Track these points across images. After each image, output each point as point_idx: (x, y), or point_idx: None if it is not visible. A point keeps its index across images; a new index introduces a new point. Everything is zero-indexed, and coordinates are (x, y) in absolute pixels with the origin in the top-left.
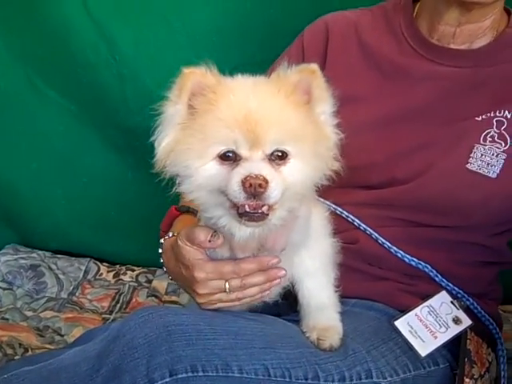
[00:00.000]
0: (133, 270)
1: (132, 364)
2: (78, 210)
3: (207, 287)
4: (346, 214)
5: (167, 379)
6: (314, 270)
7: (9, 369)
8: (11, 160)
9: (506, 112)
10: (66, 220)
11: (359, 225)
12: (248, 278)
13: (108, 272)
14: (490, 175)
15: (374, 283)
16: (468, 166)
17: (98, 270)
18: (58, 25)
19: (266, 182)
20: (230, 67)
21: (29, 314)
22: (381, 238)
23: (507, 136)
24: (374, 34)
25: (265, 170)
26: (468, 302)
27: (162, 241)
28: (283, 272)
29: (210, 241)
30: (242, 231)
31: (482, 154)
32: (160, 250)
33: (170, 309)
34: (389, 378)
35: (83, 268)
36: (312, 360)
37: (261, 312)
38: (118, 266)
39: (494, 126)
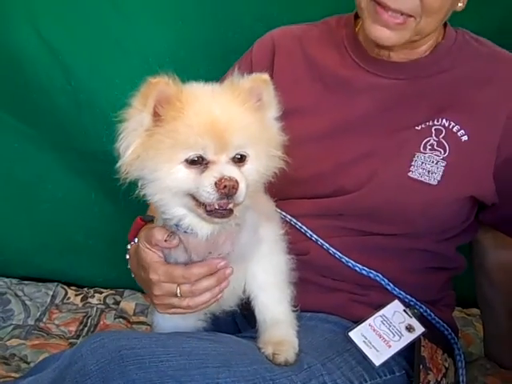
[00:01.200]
0: (100, 293)
1: None
2: (43, 235)
3: (161, 289)
4: (300, 224)
5: None
6: (267, 285)
7: None
8: None
9: (444, 120)
10: (32, 246)
11: (311, 235)
12: (198, 283)
13: (76, 296)
14: (431, 182)
15: (327, 295)
16: (410, 174)
17: (66, 294)
18: (12, 51)
19: (237, 183)
20: None
21: None
22: (332, 248)
23: (446, 144)
24: (318, 48)
25: (234, 172)
26: (421, 310)
27: (128, 246)
28: (230, 269)
29: (166, 240)
30: (205, 229)
31: (422, 162)
32: (127, 256)
33: (122, 333)
34: None
35: (51, 293)
36: (266, 376)
37: (221, 327)
38: (85, 289)
39: (433, 135)
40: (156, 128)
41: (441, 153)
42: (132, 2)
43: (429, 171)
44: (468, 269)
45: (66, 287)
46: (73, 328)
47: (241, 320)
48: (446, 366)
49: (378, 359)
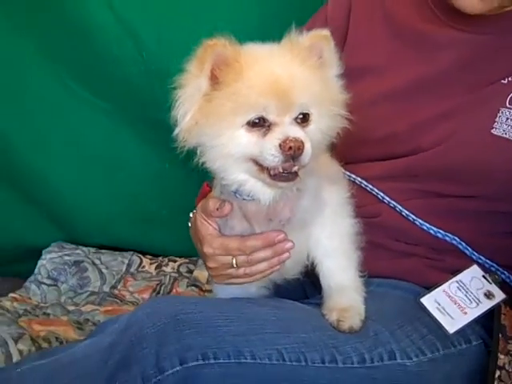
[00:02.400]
0: (175, 261)
1: (141, 354)
2: (119, 205)
3: (216, 262)
4: (371, 187)
5: (177, 368)
6: (332, 251)
7: (24, 363)
8: (51, 161)
9: None
10: (108, 216)
11: (383, 198)
12: (254, 253)
13: (150, 264)
14: None
15: (399, 260)
16: (493, 130)
17: (141, 262)
18: (84, 25)
19: (303, 143)
20: None
21: (71, 308)
22: (405, 211)
23: None
24: (398, 1)
25: (299, 132)
26: (503, 276)
27: (190, 215)
28: (290, 244)
29: (217, 209)
30: (267, 194)
31: (507, 118)
32: (189, 224)
33: (179, 298)
34: (415, 359)
35: (126, 261)
36: (329, 343)
37: (287, 293)
38: (160, 257)
39: None
40: (215, 92)
41: None
42: None
43: None
44: None
45: (141, 256)
46: (146, 295)
47: (309, 286)
48: None
49: (452, 327)
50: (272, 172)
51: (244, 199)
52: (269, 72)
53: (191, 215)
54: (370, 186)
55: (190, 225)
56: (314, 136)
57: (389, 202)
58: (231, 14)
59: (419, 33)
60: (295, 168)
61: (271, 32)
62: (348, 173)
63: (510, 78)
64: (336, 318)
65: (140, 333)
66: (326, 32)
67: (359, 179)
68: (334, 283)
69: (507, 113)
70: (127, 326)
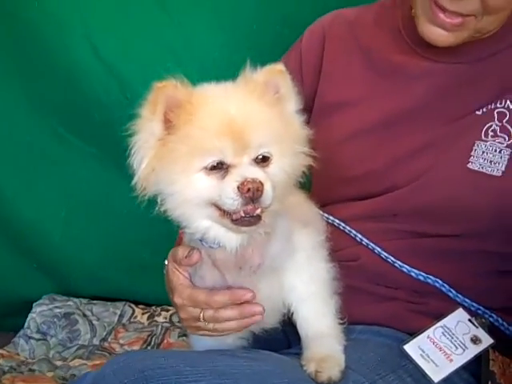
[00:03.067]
0: (167, 310)
1: None
2: (111, 254)
3: (186, 313)
4: (349, 229)
5: None
6: (307, 297)
7: None
8: (41, 210)
9: (508, 102)
10: (100, 266)
11: (361, 239)
12: (221, 310)
13: (143, 314)
14: (493, 173)
15: (380, 304)
16: (469, 165)
17: (133, 312)
18: (70, 71)
19: (262, 184)
20: None
21: (59, 363)
22: (384, 253)
23: (510, 129)
24: (371, 33)
25: (258, 173)
26: (491, 319)
27: (165, 262)
28: (259, 309)
29: (186, 257)
30: (233, 241)
31: (483, 152)
32: (164, 271)
33: (148, 352)
34: None
35: (118, 312)
36: None
37: (269, 343)
38: (153, 307)
39: (496, 119)
40: (169, 136)
41: (504, 139)
42: (184, 11)
43: (491, 161)
44: None
45: (133, 306)
46: (136, 347)
47: (292, 334)
48: None
49: (437, 375)
50: (234, 216)
51: (211, 247)
52: (223, 112)
53: (166, 262)
54: (348, 228)
55: (164, 272)
56: (276, 176)
57: (367, 244)
58: (217, 53)
59: (394, 64)
60: (258, 211)
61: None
62: (326, 214)
63: (484, 109)
64: (314, 369)
65: None
66: (280, 66)
67: (337, 221)
68: (312, 332)
69: (483, 146)
70: None
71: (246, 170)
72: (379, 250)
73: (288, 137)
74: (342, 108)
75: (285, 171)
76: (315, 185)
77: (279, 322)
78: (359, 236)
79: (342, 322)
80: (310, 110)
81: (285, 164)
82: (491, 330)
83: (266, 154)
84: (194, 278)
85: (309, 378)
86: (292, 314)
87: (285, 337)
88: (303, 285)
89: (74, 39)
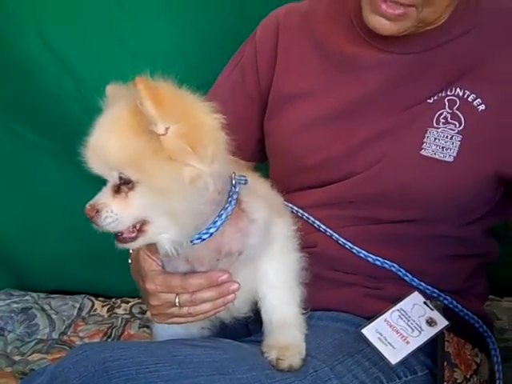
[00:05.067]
0: (127, 302)
1: None
2: (69, 247)
3: (158, 299)
4: (307, 215)
5: None
6: (277, 284)
7: None
8: None
9: (458, 90)
10: (59, 258)
11: (319, 226)
12: (198, 293)
13: (102, 307)
14: (446, 159)
15: (338, 290)
16: (422, 152)
17: (93, 305)
18: (23, 65)
19: (95, 210)
20: (195, 86)
21: (17, 358)
22: (341, 239)
23: (460, 116)
24: (325, 25)
25: (102, 197)
26: (446, 301)
27: (130, 251)
28: (236, 285)
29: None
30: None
31: (435, 138)
32: (129, 261)
33: (106, 344)
34: None
35: (77, 305)
36: (266, 383)
37: (229, 331)
38: (113, 299)
39: (446, 106)
40: None
41: (455, 126)
42: (137, 4)
43: (443, 147)
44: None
45: (93, 299)
46: (97, 339)
47: (252, 323)
48: (478, 361)
49: (394, 357)
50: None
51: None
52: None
53: (131, 251)
54: (306, 215)
55: (130, 261)
56: (136, 200)
57: (325, 231)
58: (169, 46)
59: (347, 55)
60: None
61: (212, 64)
62: (285, 202)
63: (435, 97)
64: (275, 357)
65: None
66: (137, 80)
67: (296, 208)
68: (276, 319)
69: (435, 133)
70: (52, 378)
71: (99, 193)
72: (337, 236)
73: (152, 160)
74: (298, 99)
75: (147, 195)
76: (272, 174)
77: (251, 311)
78: (317, 223)
79: (305, 311)
80: (266, 103)
81: (149, 188)
82: (446, 312)
83: (123, 177)
84: (167, 267)
85: (269, 365)
86: (258, 300)
87: (245, 325)
88: (274, 273)
89: (26, 33)
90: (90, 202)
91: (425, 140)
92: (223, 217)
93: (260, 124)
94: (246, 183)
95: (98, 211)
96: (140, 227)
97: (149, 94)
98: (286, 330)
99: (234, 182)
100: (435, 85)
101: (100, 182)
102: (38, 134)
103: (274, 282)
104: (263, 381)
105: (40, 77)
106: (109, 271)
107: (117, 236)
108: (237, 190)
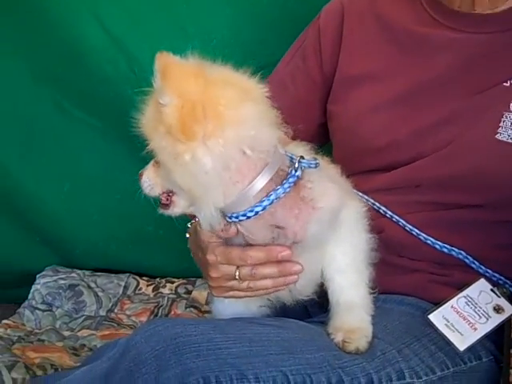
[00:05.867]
0: (172, 282)
1: (140, 380)
2: (114, 226)
3: (218, 271)
4: (372, 201)
5: None
6: (345, 267)
7: None
8: (44, 183)
9: None
10: (103, 238)
11: (385, 212)
12: (259, 267)
13: (147, 286)
14: None
15: (404, 276)
16: (497, 136)
17: (138, 284)
18: (76, 44)
19: (140, 175)
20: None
21: (66, 333)
22: (408, 225)
23: None
24: (392, 6)
25: (147, 166)
26: (511, 289)
27: (188, 225)
28: (298, 267)
29: (222, 230)
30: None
31: None
32: (187, 235)
33: (177, 320)
34: (424, 378)
35: (122, 284)
36: (335, 364)
37: (288, 312)
38: (157, 279)
39: None
40: None
41: None
42: None
43: None
44: None
45: (137, 278)
46: (143, 318)
47: (311, 305)
48: None
49: (462, 344)
50: None
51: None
52: None
53: (189, 225)
54: (372, 200)
55: (188, 236)
56: (161, 171)
57: (391, 217)
58: (225, 30)
59: (415, 36)
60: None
61: (267, 47)
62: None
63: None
64: (341, 339)
65: (139, 358)
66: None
67: (360, 193)
68: (343, 300)
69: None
70: (125, 351)
71: None
72: (404, 222)
73: (159, 131)
74: (364, 81)
75: (162, 169)
76: (336, 157)
77: (315, 293)
78: (383, 208)
79: (373, 292)
80: (330, 87)
81: (158, 156)
82: (510, 299)
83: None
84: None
85: (336, 346)
86: (325, 282)
87: (304, 307)
88: (342, 256)
89: (81, 13)
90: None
91: (501, 124)
92: (271, 197)
93: (321, 108)
94: (316, 167)
95: (141, 175)
96: (171, 197)
97: (161, 66)
98: (353, 312)
99: (296, 165)
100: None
101: (145, 164)
102: (87, 112)
103: (342, 264)
104: (331, 361)
105: (93, 56)
106: (153, 252)
107: (159, 201)
108: (297, 174)
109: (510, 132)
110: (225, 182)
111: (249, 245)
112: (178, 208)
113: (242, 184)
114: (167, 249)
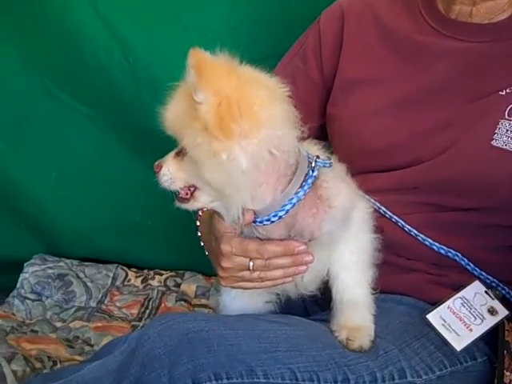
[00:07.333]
0: (161, 274)
1: (153, 375)
2: (103, 216)
3: (231, 262)
4: (373, 201)
5: None
6: (351, 265)
7: None
8: (32, 170)
9: None
10: (91, 227)
11: (384, 212)
12: (273, 259)
13: (136, 277)
14: None
15: (402, 276)
16: (493, 142)
17: (126, 275)
18: (69, 30)
19: (159, 167)
20: (244, 62)
21: (58, 324)
22: (407, 226)
23: None
24: (391, 13)
25: (168, 157)
26: (504, 291)
27: (200, 213)
28: (310, 258)
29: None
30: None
31: (507, 130)
32: (198, 223)
33: (188, 315)
34: (424, 377)
35: (111, 275)
36: (340, 362)
37: (288, 310)
38: (145, 270)
39: None
40: None
41: None
42: None
43: None
44: None
45: (126, 269)
46: (134, 311)
47: (309, 303)
48: None
49: (459, 344)
50: None
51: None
52: None
53: (200, 213)
54: (372, 200)
55: (198, 223)
56: (186, 165)
57: (391, 217)
58: (222, 21)
59: (414, 44)
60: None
61: (259, 42)
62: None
63: (508, 90)
64: (345, 337)
65: (151, 353)
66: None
67: (361, 193)
68: (347, 298)
69: (507, 124)
70: (138, 346)
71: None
72: (403, 222)
73: (194, 125)
74: (363, 84)
75: (187, 163)
76: (337, 157)
77: (318, 289)
78: (383, 208)
79: (374, 292)
80: (329, 90)
81: (189, 155)
82: (504, 302)
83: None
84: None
85: (339, 343)
86: (329, 279)
87: (303, 305)
88: (349, 255)
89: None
90: (160, 160)
91: (496, 131)
92: (293, 201)
93: (321, 110)
94: (330, 166)
95: (160, 168)
96: (192, 192)
97: (195, 63)
98: (357, 310)
99: (313, 164)
100: (507, 77)
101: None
102: (78, 99)
103: (348, 263)
104: (337, 359)
105: (86, 42)
106: (141, 242)
107: (176, 195)
108: (314, 174)
109: (504, 138)
110: (253, 182)
111: (265, 238)
112: (198, 203)
113: (267, 185)
114: (155, 240)
